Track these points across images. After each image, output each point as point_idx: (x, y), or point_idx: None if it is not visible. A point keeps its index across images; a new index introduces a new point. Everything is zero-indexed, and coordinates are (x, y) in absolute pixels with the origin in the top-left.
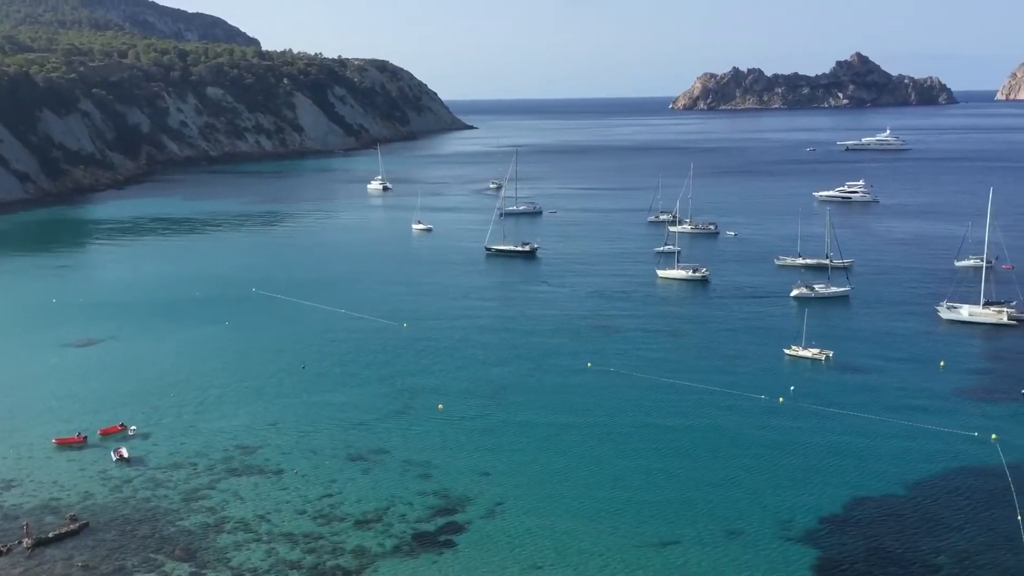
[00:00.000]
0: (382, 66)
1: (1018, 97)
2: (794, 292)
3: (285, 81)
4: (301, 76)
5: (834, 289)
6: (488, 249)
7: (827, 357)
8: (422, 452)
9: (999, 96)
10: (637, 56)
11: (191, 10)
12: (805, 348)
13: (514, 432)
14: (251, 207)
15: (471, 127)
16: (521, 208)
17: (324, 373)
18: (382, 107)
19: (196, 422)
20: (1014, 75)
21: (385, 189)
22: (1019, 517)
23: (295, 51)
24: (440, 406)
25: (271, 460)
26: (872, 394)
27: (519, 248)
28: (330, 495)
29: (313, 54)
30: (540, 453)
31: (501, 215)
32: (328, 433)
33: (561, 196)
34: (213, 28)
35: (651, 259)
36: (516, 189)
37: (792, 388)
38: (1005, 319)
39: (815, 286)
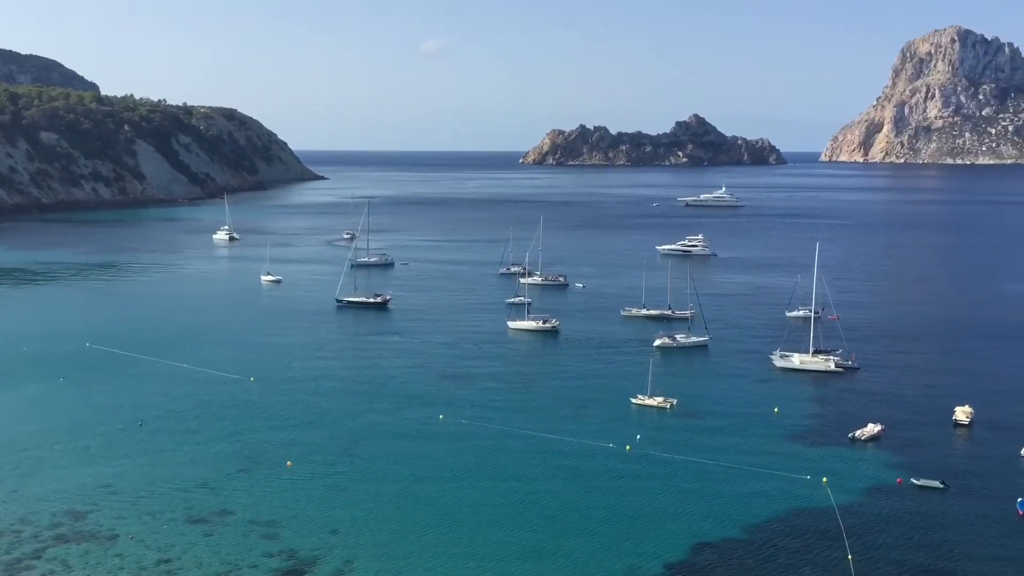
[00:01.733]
0: (229, 114)
1: (839, 159)
2: (657, 342)
3: (126, 127)
4: (143, 123)
5: (694, 339)
6: (339, 301)
7: (671, 405)
8: (268, 511)
9: (823, 158)
10: (488, 111)
11: (24, 51)
12: (651, 397)
13: (365, 487)
14: (87, 257)
15: (322, 178)
16: (373, 259)
17: (164, 431)
18: (229, 156)
19: (20, 486)
20: (835, 138)
21: (232, 239)
22: (849, 556)
23: (137, 97)
24: (288, 462)
25: (104, 525)
26: (713, 440)
27: (371, 300)
28: (168, 560)
29: (156, 100)
30: (392, 509)
31: (352, 266)
32: (167, 494)
33: (414, 247)
34: (48, 71)
35: (502, 310)
36: (368, 240)
37: (639, 436)
38: (832, 367)
39: (677, 336)
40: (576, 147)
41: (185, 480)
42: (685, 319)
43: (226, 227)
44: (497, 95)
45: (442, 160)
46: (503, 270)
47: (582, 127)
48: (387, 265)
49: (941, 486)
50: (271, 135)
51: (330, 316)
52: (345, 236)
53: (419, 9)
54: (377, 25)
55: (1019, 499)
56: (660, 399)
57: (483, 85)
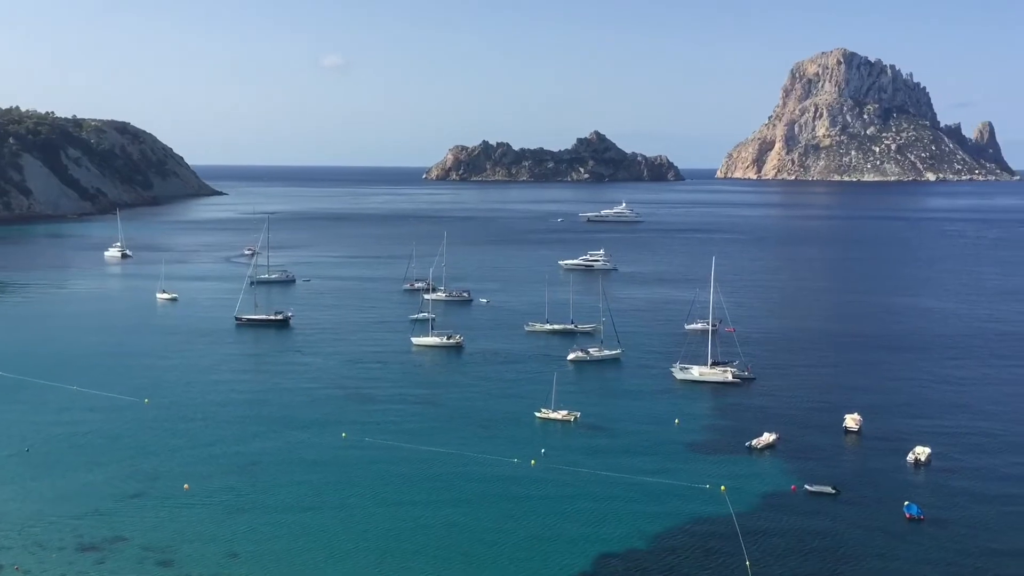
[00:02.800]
0: (122, 128)
1: (734, 175)
2: (571, 356)
3: (11, 140)
4: (29, 136)
5: (607, 352)
6: (238, 319)
7: (575, 418)
8: (164, 537)
9: (719, 174)
10: (391, 126)
11: None
12: (555, 411)
13: (265, 510)
14: None
15: (220, 193)
16: (273, 276)
17: (53, 456)
18: (122, 170)
19: None
20: (730, 155)
21: (124, 256)
22: (747, 563)
23: (23, 109)
24: (186, 486)
25: None
26: (616, 452)
27: (271, 317)
28: None
29: (44, 113)
30: (293, 531)
31: (252, 283)
32: (56, 522)
33: (316, 264)
34: None
35: (406, 327)
36: (268, 257)
37: (543, 450)
38: (730, 377)
39: (590, 350)
40: (479, 163)
41: (75, 507)
42: (588, 333)
43: (118, 244)
44: (399, 110)
45: (344, 176)
46: (407, 286)
47: (485, 143)
48: (288, 282)
49: (833, 491)
50: (167, 149)
51: (229, 334)
52: (245, 252)
53: (319, 23)
54: (277, 39)
55: (905, 503)
56: (564, 413)
57: (385, 100)
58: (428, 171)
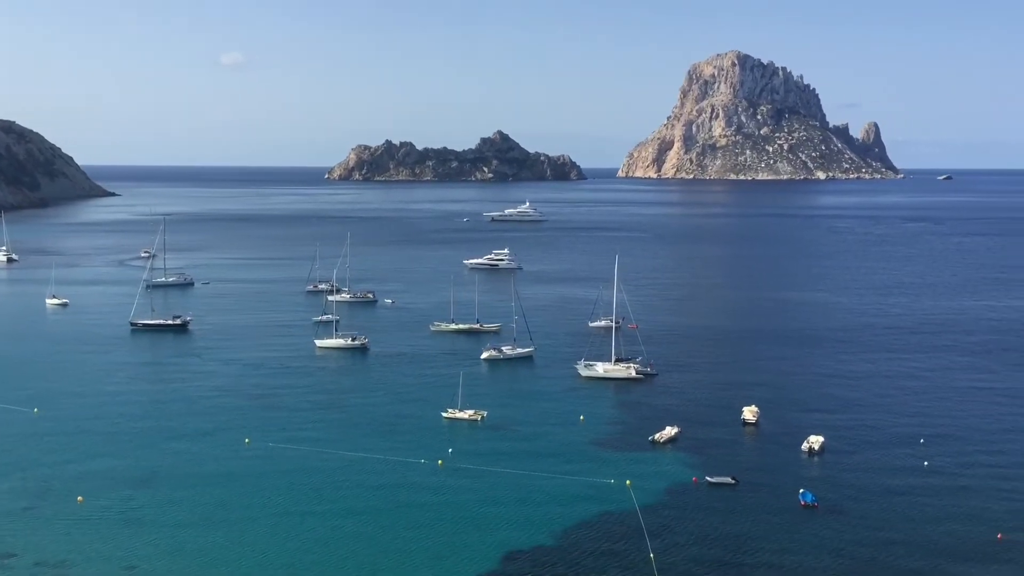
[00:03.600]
0: (7, 127)
1: (635, 175)
2: (484, 355)
3: None
4: None
5: (520, 350)
6: (134, 324)
7: (482, 417)
8: (57, 551)
9: (620, 173)
10: (293, 126)
11: None
12: (461, 410)
13: (165, 520)
14: None
15: (113, 194)
16: (171, 279)
17: None
18: (7, 171)
19: None
20: (631, 155)
21: (10, 260)
22: (651, 555)
23: None
24: (80, 498)
25: None
26: (522, 450)
27: (169, 322)
28: None
29: None
30: (194, 545)
31: (148, 287)
32: None
33: (215, 266)
34: None
35: (309, 329)
36: (165, 259)
37: (450, 450)
38: (633, 374)
39: (503, 348)
40: (382, 163)
41: None
42: (494, 332)
43: (3, 247)
44: (301, 110)
45: (245, 176)
46: (310, 288)
47: (388, 143)
48: (186, 285)
49: (732, 482)
50: (55, 149)
51: (124, 340)
52: (142, 255)
53: (218, 20)
54: (174, 36)
55: (800, 491)
56: (471, 412)
57: (287, 99)
58: (330, 171)
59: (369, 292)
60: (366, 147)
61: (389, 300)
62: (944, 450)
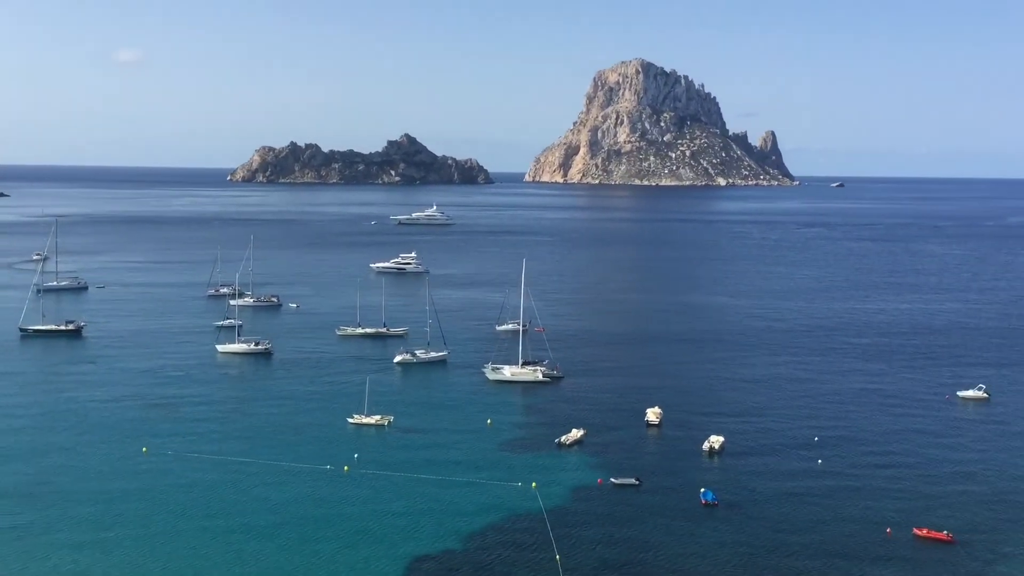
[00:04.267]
0: None
1: (542, 179)
2: (398, 358)
3: None
4: None
5: (434, 354)
6: (23, 330)
7: (389, 422)
8: None
9: (527, 178)
10: (193, 126)
11: None
12: (368, 416)
13: (57, 534)
14: None
15: (2, 195)
16: (63, 283)
17: None
18: None
19: None
20: (538, 160)
21: None
22: (557, 557)
23: None
24: None
25: None
26: (429, 454)
27: (61, 327)
28: None
29: None
30: (89, 558)
31: (39, 291)
32: None
33: (112, 269)
34: None
35: (211, 334)
36: (57, 262)
37: (356, 456)
38: (540, 376)
39: (417, 352)
40: (287, 165)
41: None
42: (401, 336)
43: None
44: (203, 109)
45: (143, 176)
46: (211, 292)
47: (293, 144)
48: (80, 289)
49: (636, 483)
50: None
51: (13, 347)
52: (34, 258)
53: (113, 14)
54: (65, 30)
55: (702, 490)
56: (377, 417)
57: (187, 98)
58: (233, 172)
59: (273, 296)
60: (270, 148)
61: (294, 304)
62: (837, 449)
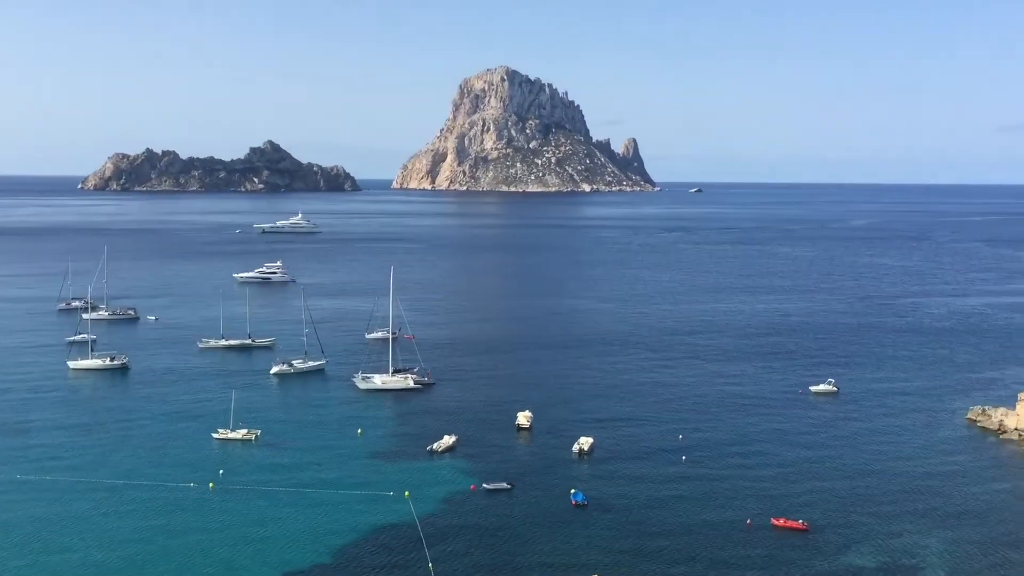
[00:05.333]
0: None
1: (409, 186)
2: (274, 369)
3: None
4: None
5: (311, 364)
6: None
7: (256, 436)
8: None
9: (395, 185)
10: (40, 130)
11: None
12: (234, 430)
13: None
14: None
15: None
16: None
17: None
18: None
19: None
20: (405, 167)
21: None
22: (429, 565)
23: None
24: None
25: None
26: (298, 467)
27: None
28: None
29: None
30: None
31: None
32: None
33: None
34: None
35: (62, 350)
36: None
37: (221, 471)
38: (411, 384)
39: (293, 362)
40: (143, 172)
41: None
42: (267, 347)
43: None
44: (51, 113)
45: None
46: (62, 305)
47: (149, 151)
48: None
49: (508, 487)
50: None
51: None
52: None
53: None
54: None
55: (572, 491)
56: (244, 431)
57: (30, 101)
58: (84, 180)
59: (130, 309)
60: (124, 155)
61: (153, 317)
62: (700, 446)
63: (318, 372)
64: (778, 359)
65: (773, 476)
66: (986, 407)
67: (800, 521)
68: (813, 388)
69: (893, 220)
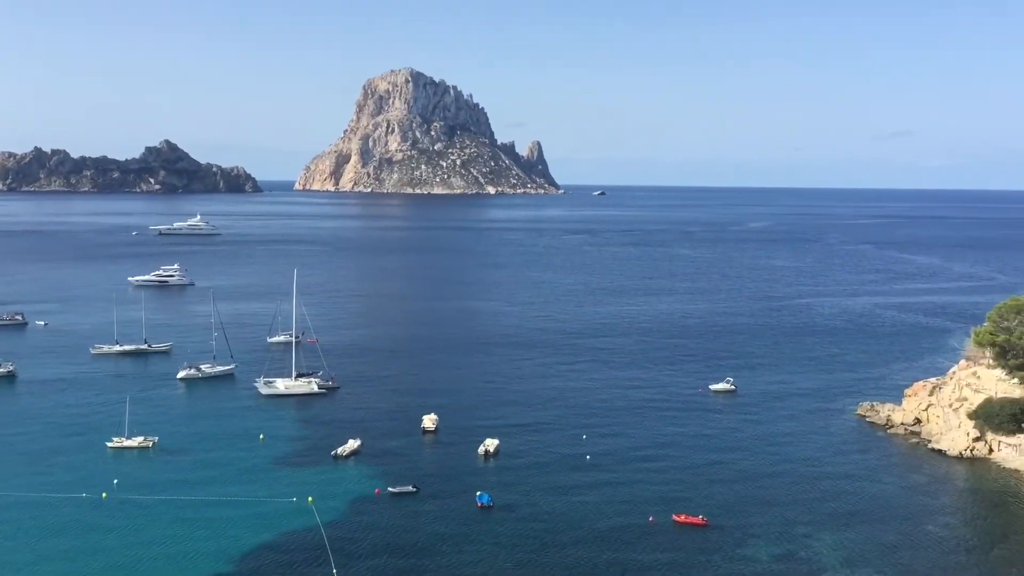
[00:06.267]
0: None
1: (313, 188)
2: (181, 374)
3: None
4: None
5: (220, 368)
6: None
7: (153, 444)
8: None
9: (297, 186)
10: None
11: None
12: (129, 438)
13: None
14: None
15: None
16: None
17: None
18: None
19: None
20: (308, 168)
21: None
22: (334, 571)
23: None
24: None
25: None
26: (198, 475)
27: None
28: None
29: None
30: None
31: None
32: None
33: None
34: None
35: None
36: None
37: (116, 481)
38: (315, 388)
39: (202, 366)
40: (32, 172)
41: None
42: (164, 353)
43: None
44: None
45: None
46: None
47: (37, 150)
48: None
49: (413, 490)
50: None
51: None
52: None
53: None
54: None
55: (478, 493)
56: (140, 439)
57: None
58: None
59: (18, 314)
60: (11, 154)
61: (42, 322)
62: (603, 445)
63: (227, 377)
64: (679, 359)
65: (674, 473)
66: (874, 403)
67: (700, 517)
68: (712, 387)
69: (787, 223)
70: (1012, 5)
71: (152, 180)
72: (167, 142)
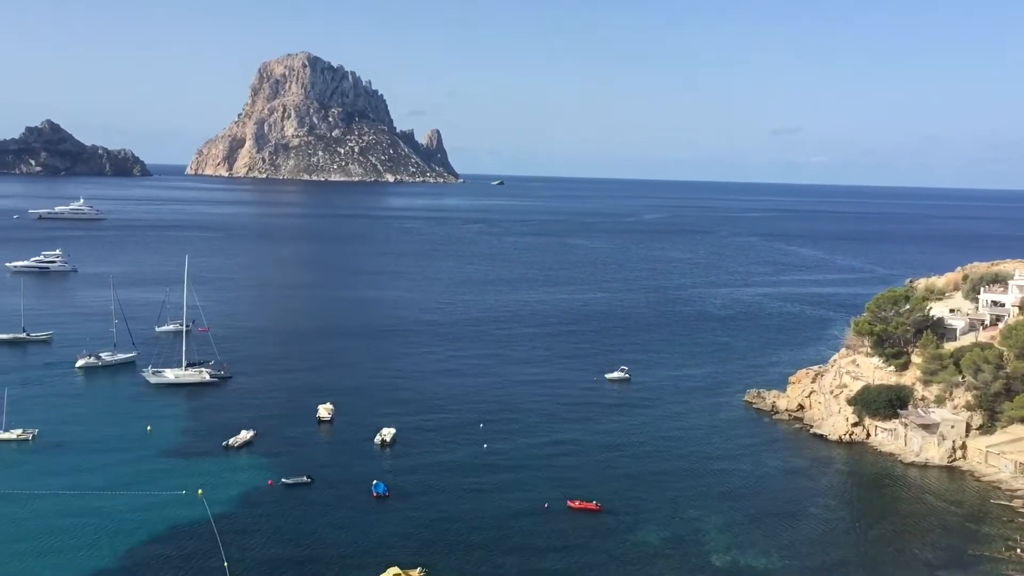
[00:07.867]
0: None
1: (205, 172)
2: (80, 362)
3: None
4: None
5: (121, 356)
6: None
7: (33, 436)
8: None
9: (189, 171)
10: None
11: None
12: (7, 430)
13: None
14: None
15: None
16: None
17: None
18: None
19: None
20: (200, 152)
21: None
22: (225, 564)
23: None
24: None
25: None
26: (82, 468)
27: None
28: None
29: None
30: None
31: None
32: None
33: None
34: None
35: None
36: None
37: None
38: (206, 378)
39: (102, 355)
40: None
41: None
42: (44, 342)
43: None
44: None
45: None
46: None
47: None
48: None
49: (308, 481)
50: None
51: None
52: None
53: None
54: None
55: (374, 482)
56: (19, 432)
57: None
58: None
59: None
60: None
61: None
62: (500, 434)
63: (128, 365)
64: (576, 348)
65: (569, 460)
66: (761, 390)
67: (594, 502)
68: (608, 375)
69: (681, 215)
70: (882, 23)
71: (33, 162)
72: (49, 122)
